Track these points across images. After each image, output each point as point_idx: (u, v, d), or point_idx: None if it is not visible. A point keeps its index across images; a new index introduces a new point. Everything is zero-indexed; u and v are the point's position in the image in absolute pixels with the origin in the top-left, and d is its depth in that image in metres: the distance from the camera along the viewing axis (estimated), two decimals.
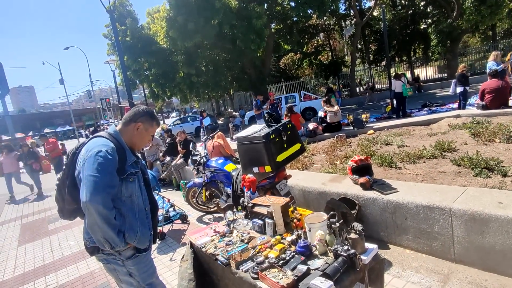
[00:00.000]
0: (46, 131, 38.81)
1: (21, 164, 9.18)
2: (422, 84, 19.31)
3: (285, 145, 3.18)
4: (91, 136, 1.78)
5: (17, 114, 57.39)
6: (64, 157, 1.78)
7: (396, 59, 24.32)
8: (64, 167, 1.75)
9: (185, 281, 2.28)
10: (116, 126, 1.84)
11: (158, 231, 4.13)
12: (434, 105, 10.80)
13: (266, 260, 1.83)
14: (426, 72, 23.13)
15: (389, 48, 12.94)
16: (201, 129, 12.77)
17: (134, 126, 1.81)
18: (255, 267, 1.79)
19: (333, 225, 1.92)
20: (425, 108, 10.52)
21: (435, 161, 4.20)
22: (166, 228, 4.41)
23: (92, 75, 29.04)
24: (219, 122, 21.91)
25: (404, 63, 25.04)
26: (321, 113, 8.59)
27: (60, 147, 10.28)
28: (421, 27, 23.09)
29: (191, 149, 5.15)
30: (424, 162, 4.28)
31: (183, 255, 2.44)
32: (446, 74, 21.10)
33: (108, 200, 1.55)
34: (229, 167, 4.42)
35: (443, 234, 2.52)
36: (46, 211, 6.77)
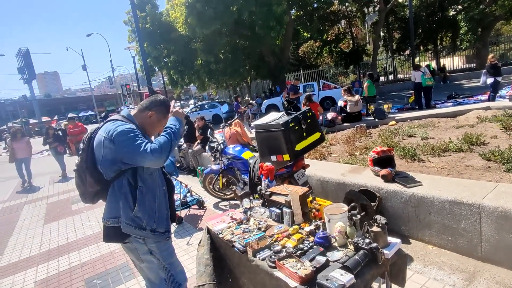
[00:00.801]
0: (70, 116, 40.28)
1: (46, 147, 9.57)
2: (448, 74, 18.40)
3: (304, 134, 3.10)
4: (105, 120, 1.80)
5: (43, 98, 59.74)
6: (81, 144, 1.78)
7: (421, 48, 23.22)
8: (80, 152, 1.76)
9: (202, 266, 2.29)
10: (129, 110, 1.87)
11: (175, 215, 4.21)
12: (461, 96, 10.28)
13: (284, 250, 1.80)
14: (453, 62, 22.00)
15: (414, 36, 12.33)
16: (236, 114, 12.74)
17: (147, 114, 1.83)
18: (272, 256, 1.76)
19: (354, 217, 1.85)
20: (451, 100, 10.04)
21: (462, 155, 4.01)
22: (183, 213, 4.48)
23: (113, 61, 29.62)
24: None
25: (430, 52, 23.88)
26: (341, 103, 8.38)
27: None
28: (450, 14, 21.82)
29: (209, 135, 5.16)
30: (450, 155, 4.10)
31: (200, 240, 2.46)
32: (475, 64, 19.98)
33: (157, 151, 1.58)
34: (246, 154, 4.39)
35: (470, 231, 2.40)
36: (69, 192, 7.05)
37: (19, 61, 41.98)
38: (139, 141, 1.60)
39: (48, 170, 10.24)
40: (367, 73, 11.76)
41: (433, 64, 21.71)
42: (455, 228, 2.50)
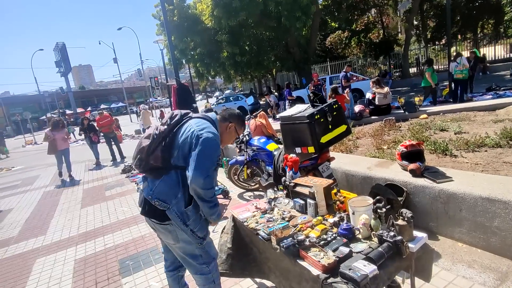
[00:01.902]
0: (102, 107, 42.42)
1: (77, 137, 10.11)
2: (488, 65, 17.14)
3: (330, 126, 3.09)
4: (200, 114, 1.93)
5: (78, 90, 63.14)
6: (167, 114, 1.92)
7: (459, 36, 21.71)
8: (165, 127, 1.82)
9: (224, 254, 2.39)
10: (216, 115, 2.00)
11: None
12: (502, 88, 9.57)
13: (307, 239, 1.83)
14: (494, 51, 20.37)
15: (451, 24, 11.55)
16: (287, 101, 12.59)
17: (227, 125, 1.98)
18: (296, 245, 1.80)
19: (379, 210, 1.85)
20: (490, 92, 9.39)
21: (500, 151, 3.79)
22: None
23: (142, 54, 30.54)
24: (261, 102, 21.90)
25: (468, 41, 22.28)
26: (369, 95, 8.14)
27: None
28: None
29: None
30: (486, 151, 3.88)
31: (224, 227, 2.55)
32: None
33: (208, 182, 1.70)
34: (271, 146, 4.43)
35: (505, 230, 2.29)
36: (103, 179, 7.49)
37: (56, 55, 44.63)
38: (212, 164, 1.72)
39: (83, 158, 10.92)
40: (426, 59, 10.90)
41: (480, 51, 19.76)
42: (488, 226, 2.39)
